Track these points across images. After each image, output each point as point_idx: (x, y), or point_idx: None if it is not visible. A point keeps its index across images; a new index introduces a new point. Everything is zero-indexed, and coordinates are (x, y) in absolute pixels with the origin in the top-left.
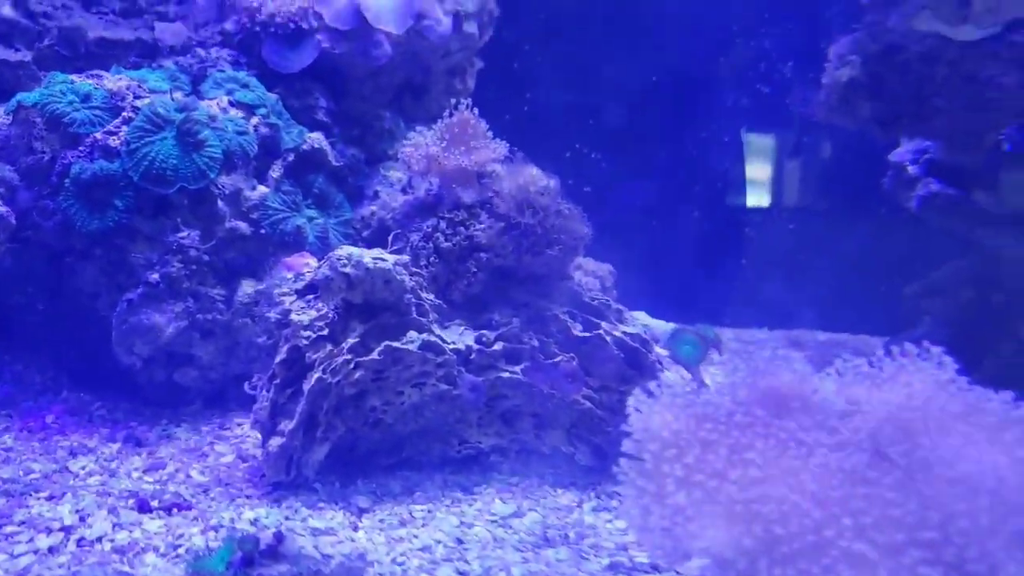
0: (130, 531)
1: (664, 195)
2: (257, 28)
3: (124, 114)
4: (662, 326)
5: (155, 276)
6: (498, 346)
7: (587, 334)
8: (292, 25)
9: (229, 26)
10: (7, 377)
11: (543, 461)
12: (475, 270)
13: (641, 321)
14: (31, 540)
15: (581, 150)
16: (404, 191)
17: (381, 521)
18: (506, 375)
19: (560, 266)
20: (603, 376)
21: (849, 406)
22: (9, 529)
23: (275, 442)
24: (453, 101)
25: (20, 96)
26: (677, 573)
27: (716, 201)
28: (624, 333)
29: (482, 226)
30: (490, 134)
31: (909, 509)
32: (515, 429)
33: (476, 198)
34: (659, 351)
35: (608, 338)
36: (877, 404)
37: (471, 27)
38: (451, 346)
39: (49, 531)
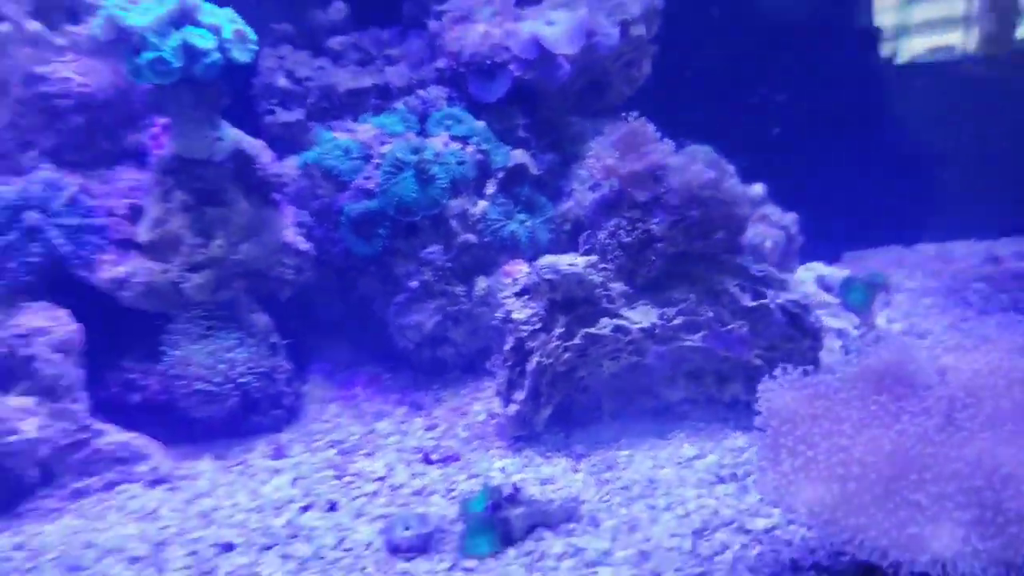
0: (420, 479)
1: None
2: (461, 69)
3: (374, 160)
4: (836, 274)
5: (414, 283)
6: (678, 320)
7: (755, 304)
8: (488, 62)
9: (440, 64)
10: (322, 356)
11: (726, 409)
12: (653, 258)
13: (816, 271)
14: (360, 487)
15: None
16: (592, 189)
17: (593, 465)
18: (687, 344)
19: (727, 246)
20: (770, 337)
21: (937, 375)
22: (347, 479)
23: (512, 408)
24: (627, 92)
25: (304, 155)
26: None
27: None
28: (787, 300)
29: (656, 220)
30: (658, 135)
31: (963, 463)
32: (701, 384)
33: (650, 195)
34: (829, 299)
35: (772, 305)
36: (959, 372)
37: (639, 29)
38: (638, 325)
39: (370, 479)
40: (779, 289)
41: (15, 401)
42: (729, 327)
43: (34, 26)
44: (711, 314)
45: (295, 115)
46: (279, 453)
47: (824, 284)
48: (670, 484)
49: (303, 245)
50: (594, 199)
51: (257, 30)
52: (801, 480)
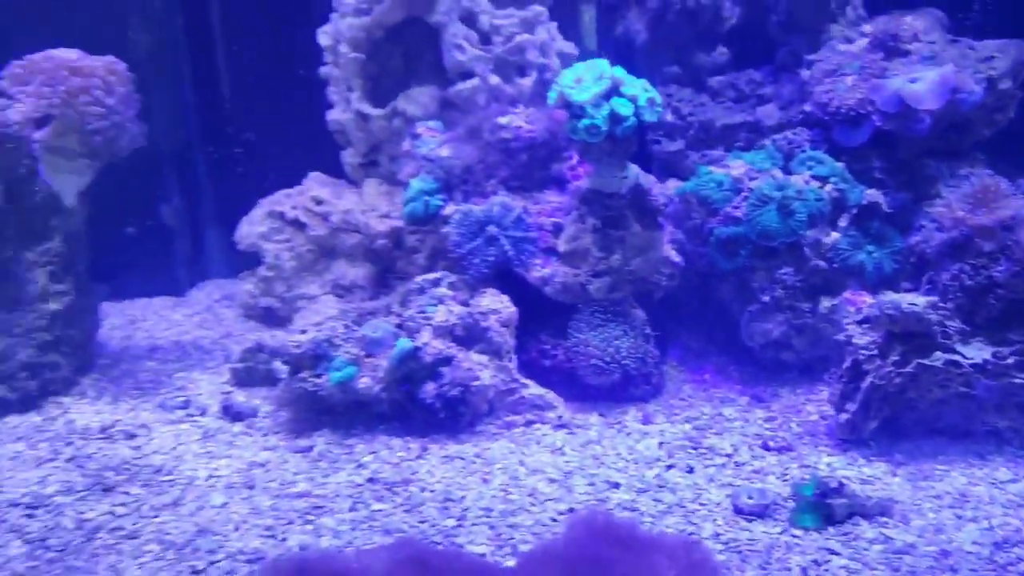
0: (759, 461)
1: None
2: (827, 117)
3: (743, 193)
4: None
5: (767, 298)
6: (1011, 360)
7: None
8: (853, 113)
9: (807, 107)
10: (679, 344)
11: None
12: (992, 302)
13: None
14: (711, 459)
15: None
16: (939, 229)
17: (911, 473)
18: (1017, 381)
19: None
20: None
21: None
22: (701, 451)
23: (843, 416)
24: (986, 134)
25: (683, 185)
26: None
27: None
28: None
29: (1000, 268)
30: (1011, 190)
31: None
32: None
33: (995, 246)
34: None
35: None
36: None
37: (1005, 83)
38: (970, 360)
39: (719, 454)
40: None
41: (476, 357)
42: None
43: (494, 80)
44: None
45: (677, 145)
46: (647, 419)
47: None
48: (980, 500)
49: (675, 257)
50: (941, 240)
51: (650, 71)
52: None
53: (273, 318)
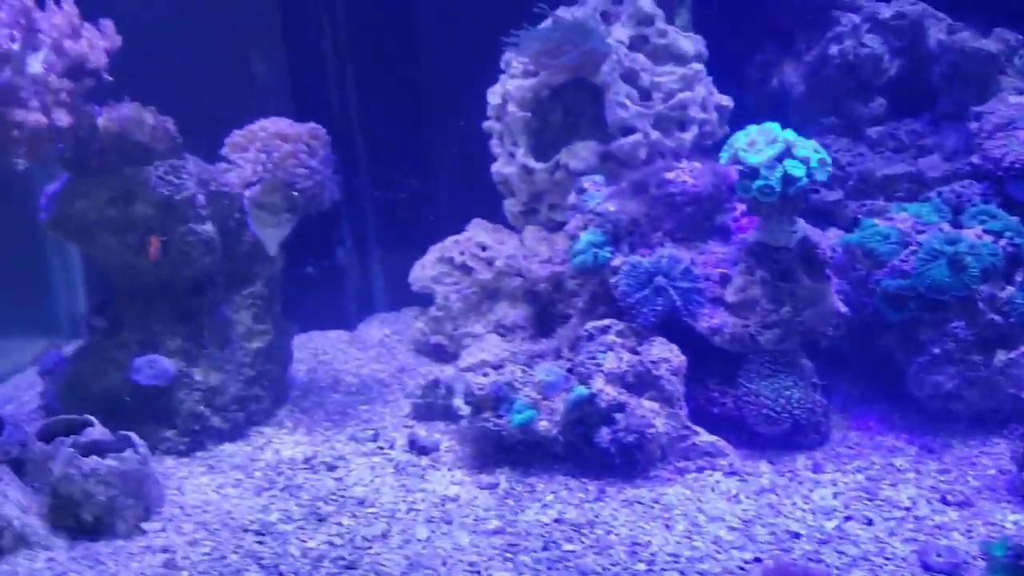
0: (940, 515)
1: None
2: (999, 172)
3: (910, 247)
4: None
5: (937, 350)
6: None
7: None
8: None
9: (975, 160)
10: (840, 391)
11: None
12: None
13: None
14: (889, 511)
15: None
16: None
17: None
18: None
19: None
20: None
21: None
22: (877, 502)
23: None
24: None
25: (847, 237)
26: None
27: None
28: None
29: None
30: None
31: None
32: None
33: None
34: None
35: None
36: None
37: None
38: None
39: (897, 507)
40: None
41: (648, 404)
42: None
43: (655, 135)
44: None
45: (836, 195)
46: (817, 468)
47: None
48: None
49: (842, 308)
50: None
51: (806, 122)
52: None
53: (442, 354)
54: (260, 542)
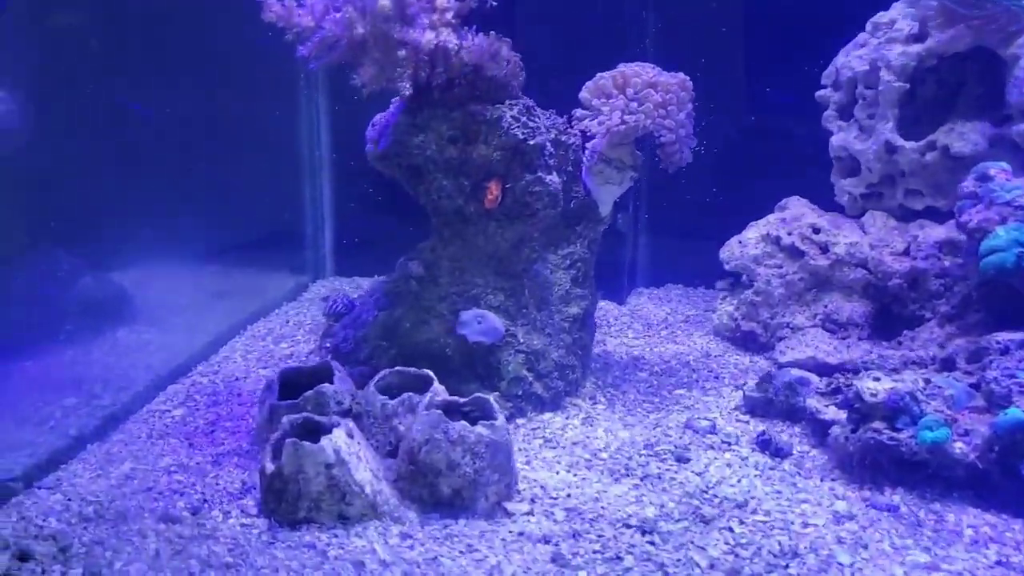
0: None
1: None
2: None
3: None
4: None
5: None
6: None
7: None
8: None
9: None
10: None
11: None
12: None
13: None
14: None
15: None
16: None
17: None
18: None
19: None
20: None
21: None
22: None
23: None
24: None
25: None
26: None
27: None
28: None
29: None
30: None
31: None
32: None
33: None
34: None
35: None
36: None
37: None
38: None
39: None
40: None
41: None
42: None
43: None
44: None
45: None
46: None
47: None
48: None
49: None
50: None
51: None
52: None
53: (750, 343)
54: (651, 543)
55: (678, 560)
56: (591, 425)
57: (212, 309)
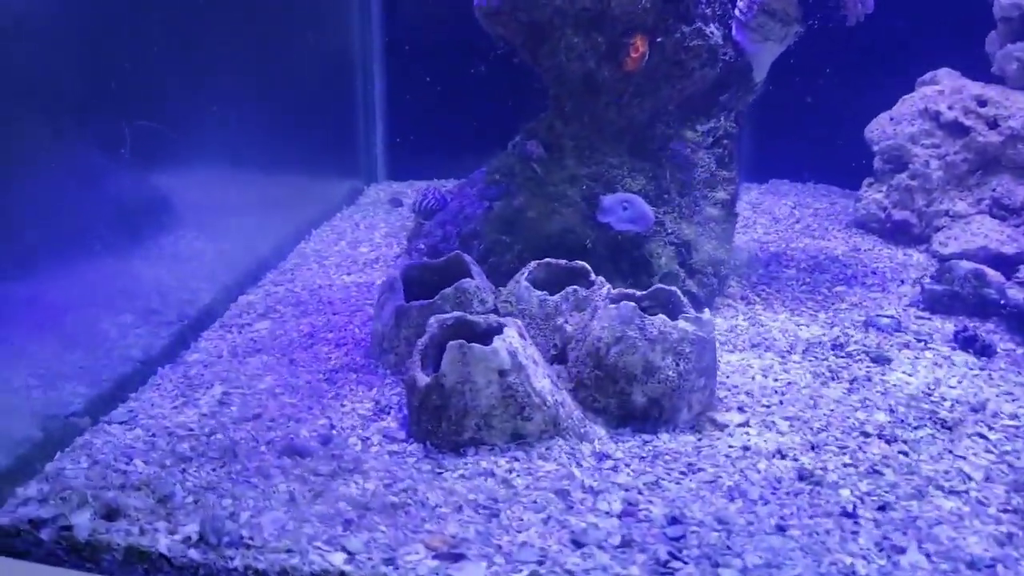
0: None
1: None
2: None
3: None
4: None
5: None
6: None
7: None
8: None
9: None
10: None
11: None
12: None
13: None
14: None
15: None
16: None
17: None
18: None
19: None
20: None
21: None
22: None
23: None
24: None
25: None
26: None
27: None
28: None
29: None
30: None
31: None
32: None
33: None
34: None
35: None
36: None
37: None
38: None
39: None
40: None
41: None
42: None
43: None
44: None
45: None
46: None
47: None
48: None
49: None
50: None
51: None
52: None
53: (900, 235)
54: (903, 452)
55: (946, 472)
56: (761, 325)
57: (267, 214)
